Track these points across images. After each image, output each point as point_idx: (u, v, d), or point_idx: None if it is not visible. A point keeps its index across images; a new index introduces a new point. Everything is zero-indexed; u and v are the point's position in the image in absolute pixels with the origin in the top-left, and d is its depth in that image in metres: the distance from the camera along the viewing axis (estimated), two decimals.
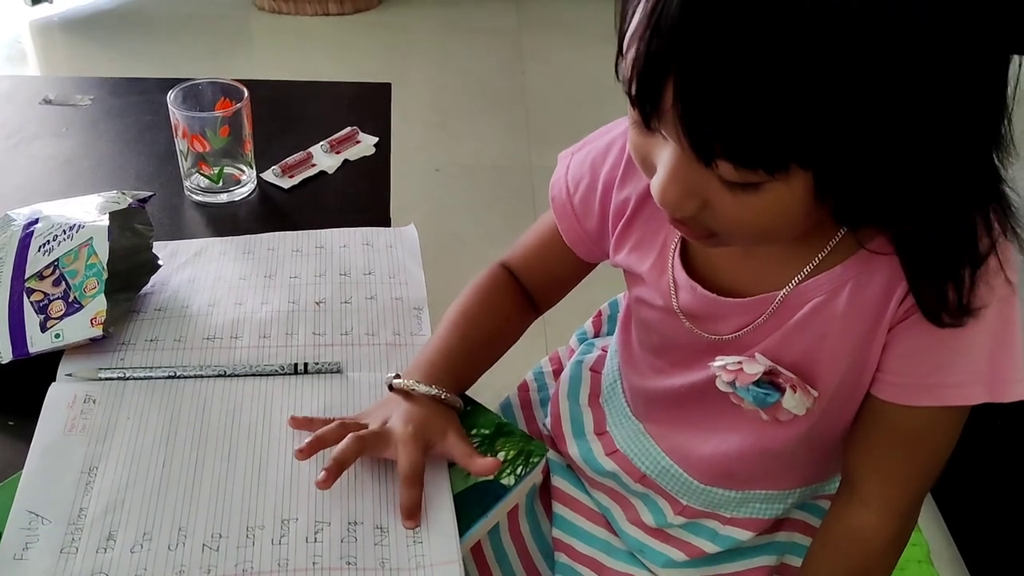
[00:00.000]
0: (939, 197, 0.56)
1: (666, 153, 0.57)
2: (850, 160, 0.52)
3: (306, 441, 0.72)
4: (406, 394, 0.77)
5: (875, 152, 0.52)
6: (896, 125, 0.51)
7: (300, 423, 0.76)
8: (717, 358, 0.71)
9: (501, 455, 0.76)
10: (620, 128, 0.78)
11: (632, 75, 0.53)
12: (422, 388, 0.76)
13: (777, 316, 0.69)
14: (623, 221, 0.77)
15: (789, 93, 0.48)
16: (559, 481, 0.90)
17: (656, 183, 0.58)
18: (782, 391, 0.69)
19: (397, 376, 0.78)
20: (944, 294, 0.61)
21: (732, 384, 0.70)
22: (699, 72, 0.49)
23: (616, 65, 0.56)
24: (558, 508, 0.89)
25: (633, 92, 0.54)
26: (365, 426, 0.74)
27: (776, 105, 0.49)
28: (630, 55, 0.53)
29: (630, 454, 0.85)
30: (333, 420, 0.75)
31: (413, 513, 0.70)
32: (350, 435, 0.72)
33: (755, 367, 0.69)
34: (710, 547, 0.84)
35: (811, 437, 0.74)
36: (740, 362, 0.69)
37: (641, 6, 0.52)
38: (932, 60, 0.49)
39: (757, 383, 0.69)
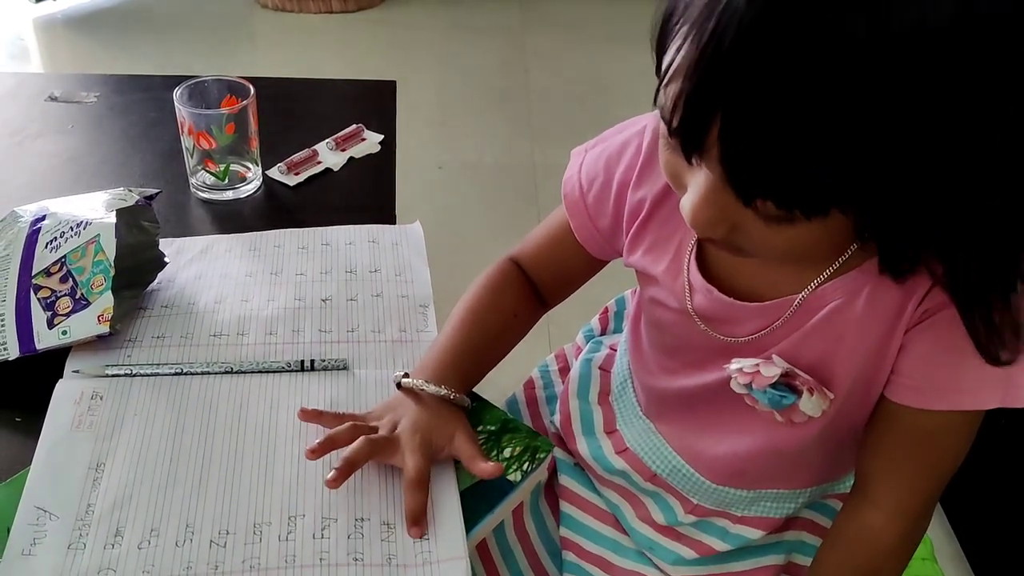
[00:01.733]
0: (990, 240, 0.55)
1: (700, 176, 0.56)
2: (893, 206, 0.52)
3: (317, 441, 0.72)
4: (414, 395, 0.77)
5: (921, 199, 0.52)
6: (946, 175, 0.50)
7: (309, 415, 0.76)
8: (733, 360, 0.70)
9: (507, 451, 0.77)
10: (635, 128, 0.78)
11: (675, 109, 0.53)
12: (431, 388, 0.77)
13: (795, 319, 0.69)
14: (638, 222, 0.77)
15: (837, 142, 0.48)
16: (566, 480, 0.90)
17: (687, 205, 0.58)
18: (798, 393, 0.68)
19: (406, 375, 0.78)
20: (1001, 332, 0.59)
21: (748, 386, 0.70)
22: (746, 115, 0.49)
23: (655, 95, 0.55)
24: (565, 507, 0.89)
25: (675, 125, 0.53)
26: (375, 428, 0.75)
27: (822, 153, 0.48)
28: (672, 88, 0.52)
29: (640, 453, 0.86)
30: (342, 413, 0.75)
31: (419, 519, 0.70)
32: (362, 437, 0.72)
33: (772, 370, 0.68)
34: (720, 545, 0.84)
35: (824, 438, 0.74)
36: (757, 364, 0.69)
37: (689, 41, 0.51)
38: (987, 118, 0.49)
39: (774, 385, 0.69)
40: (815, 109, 0.47)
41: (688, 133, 0.53)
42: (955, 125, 0.48)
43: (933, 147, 0.49)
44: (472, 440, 0.75)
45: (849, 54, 0.46)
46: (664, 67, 0.54)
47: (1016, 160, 0.51)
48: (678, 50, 0.52)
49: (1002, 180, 0.52)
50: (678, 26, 0.53)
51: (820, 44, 0.46)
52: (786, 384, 0.69)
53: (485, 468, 0.72)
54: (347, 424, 0.74)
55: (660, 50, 0.56)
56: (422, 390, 0.77)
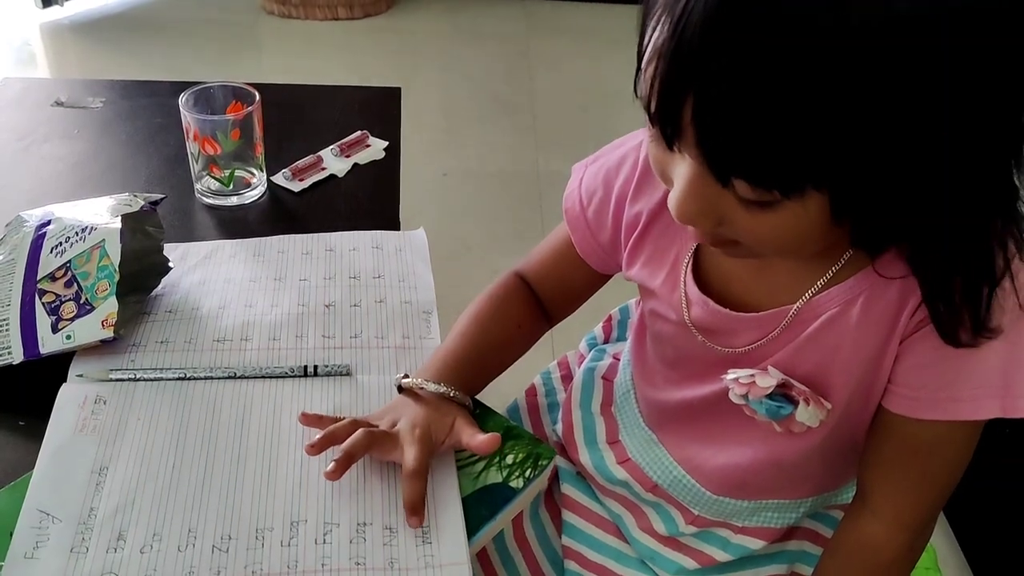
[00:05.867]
0: (957, 217, 0.56)
1: (683, 168, 0.57)
2: (865, 183, 0.52)
3: (317, 437, 0.72)
4: (415, 395, 0.77)
5: (891, 175, 0.52)
6: (914, 150, 0.51)
7: (310, 420, 0.76)
8: (730, 371, 0.71)
9: (509, 458, 0.77)
10: (633, 142, 0.78)
11: (651, 93, 0.53)
12: (431, 386, 0.77)
13: (790, 329, 0.69)
14: (635, 235, 0.77)
15: (807, 117, 0.48)
16: (569, 489, 0.90)
17: (673, 198, 0.58)
18: (795, 404, 0.68)
19: (406, 376, 0.79)
20: (960, 314, 0.60)
21: (745, 397, 0.70)
22: (717, 93, 0.49)
23: (635, 81, 0.56)
24: (568, 516, 0.89)
25: (652, 110, 0.54)
26: (376, 426, 0.75)
27: (793, 129, 0.49)
28: (649, 72, 0.53)
29: (642, 463, 0.85)
30: (343, 418, 0.75)
31: (417, 508, 0.70)
32: (361, 429, 0.73)
33: (768, 380, 0.68)
34: (721, 556, 0.83)
35: (824, 448, 0.74)
36: (753, 375, 0.69)
37: (661, 24, 0.52)
38: (953, 87, 0.49)
39: (770, 396, 0.68)
40: (782, 86, 0.48)
41: (664, 115, 0.53)
42: (917, 103, 0.49)
43: (897, 123, 0.49)
44: (472, 423, 0.76)
45: (811, 32, 0.47)
46: (641, 52, 0.55)
47: (976, 140, 0.51)
48: (652, 34, 0.53)
49: (963, 159, 0.52)
50: (655, 11, 0.53)
51: (784, 23, 0.47)
52: (783, 394, 0.69)
53: (483, 441, 0.73)
54: (347, 420, 0.74)
55: (641, 39, 0.56)
56: (422, 388, 0.77)
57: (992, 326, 0.60)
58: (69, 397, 0.79)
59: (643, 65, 0.55)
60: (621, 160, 0.78)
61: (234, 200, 1.07)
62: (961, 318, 0.60)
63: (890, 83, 0.48)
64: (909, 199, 0.54)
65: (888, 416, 0.69)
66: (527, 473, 0.76)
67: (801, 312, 0.68)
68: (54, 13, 3.17)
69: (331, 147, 1.16)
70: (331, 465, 0.70)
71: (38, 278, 0.87)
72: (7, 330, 0.84)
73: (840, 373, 0.68)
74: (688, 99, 0.51)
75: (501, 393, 0.92)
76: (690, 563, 0.84)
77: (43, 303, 0.85)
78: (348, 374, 0.83)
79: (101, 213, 0.91)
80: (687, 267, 0.73)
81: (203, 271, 0.95)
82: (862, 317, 0.66)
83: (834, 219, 0.55)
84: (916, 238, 0.59)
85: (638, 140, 0.77)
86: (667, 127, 0.54)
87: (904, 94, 0.48)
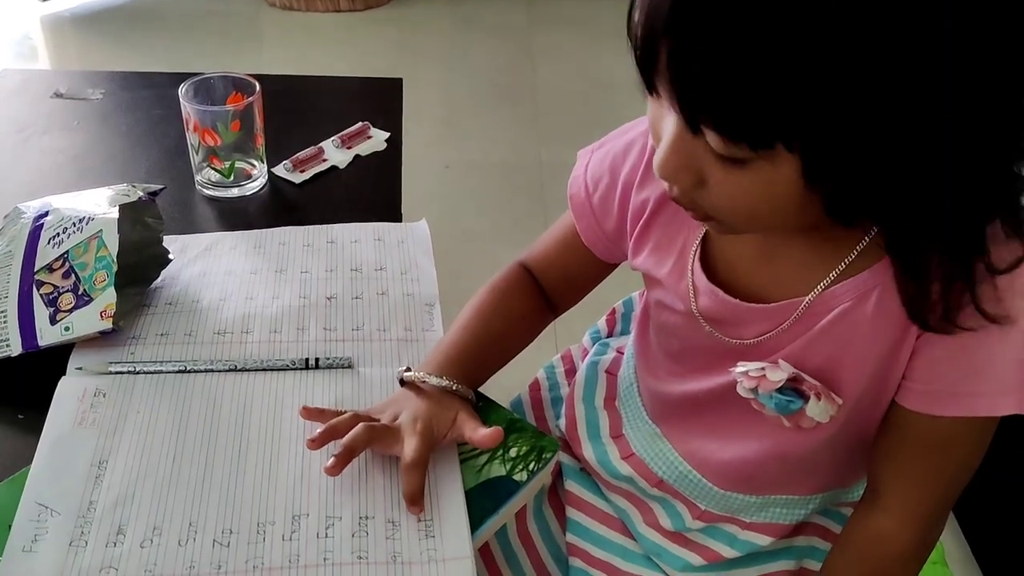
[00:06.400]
0: (939, 197, 0.54)
1: (667, 123, 0.57)
2: (836, 147, 0.51)
3: (318, 431, 0.72)
4: (417, 388, 0.77)
5: (863, 141, 0.50)
6: (889, 115, 0.49)
7: (312, 414, 0.75)
8: (739, 364, 0.69)
9: (513, 451, 0.76)
10: (639, 128, 0.77)
11: (635, 36, 0.54)
12: (433, 380, 0.76)
13: (802, 322, 0.67)
14: (641, 223, 0.76)
15: (776, 67, 0.48)
16: (572, 485, 0.89)
17: (657, 154, 0.59)
18: (806, 398, 0.67)
19: (408, 369, 0.78)
20: (929, 294, 0.59)
21: (754, 391, 0.69)
22: (688, 37, 0.50)
23: (628, 24, 0.56)
24: (572, 513, 0.88)
25: (637, 54, 0.54)
26: (377, 420, 0.74)
27: (761, 77, 0.48)
28: (636, 16, 0.54)
29: (646, 458, 0.84)
30: (344, 412, 0.75)
31: (416, 498, 0.69)
32: (361, 424, 0.72)
33: (778, 374, 0.67)
34: (729, 552, 0.82)
35: (834, 443, 0.73)
36: (763, 369, 0.68)
37: None
38: (938, 48, 0.47)
39: (780, 390, 0.67)
40: (752, 29, 0.47)
41: (644, 58, 0.53)
42: (892, 69, 0.48)
43: (870, 88, 0.48)
44: (474, 417, 0.75)
45: None
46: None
47: (954, 114, 0.50)
48: None
49: (942, 131, 0.50)
50: None
51: None
52: (793, 389, 0.68)
53: (485, 435, 0.73)
54: (348, 414, 0.74)
55: None
56: (424, 382, 0.76)
57: (994, 315, 0.59)
58: (68, 390, 0.79)
59: (631, 9, 0.55)
60: (628, 146, 0.77)
61: (235, 192, 1.06)
62: (930, 299, 0.59)
63: (866, 46, 0.47)
64: (882, 170, 0.52)
65: (902, 412, 0.68)
66: (531, 466, 0.75)
67: (813, 304, 0.67)
68: (55, 6, 3.16)
69: (332, 138, 1.15)
70: (331, 460, 0.70)
71: (36, 269, 0.86)
72: (5, 322, 0.83)
73: (852, 368, 0.67)
74: (664, 41, 0.51)
75: (505, 387, 0.92)
76: (697, 559, 0.83)
77: (41, 294, 0.84)
78: (350, 367, 0.83)
79: (99, 204, 0.91)
80: (695, 256, 0.72)
81: (203, 263, 0.94)
82: (877, 311, 0.65)
83: (806, 183, 0.54)
84: (890, 212, 0.57)
85: (645, 126, 0.76)
86: (647, 71, 0.54)
87: (878, 54, 0.47)
